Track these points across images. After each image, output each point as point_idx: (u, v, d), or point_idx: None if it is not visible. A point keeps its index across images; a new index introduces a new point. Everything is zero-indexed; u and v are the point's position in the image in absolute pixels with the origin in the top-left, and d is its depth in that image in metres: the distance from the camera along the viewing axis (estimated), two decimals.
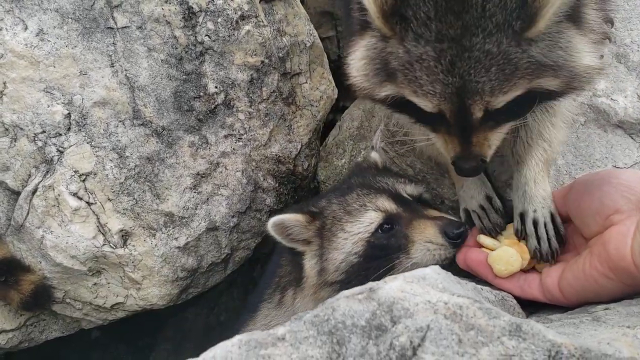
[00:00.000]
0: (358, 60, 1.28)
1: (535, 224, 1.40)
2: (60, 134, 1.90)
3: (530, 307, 1.34)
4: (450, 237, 1.40)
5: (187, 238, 1.94)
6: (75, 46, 1.93)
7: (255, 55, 2.03)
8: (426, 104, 1.20)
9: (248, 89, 2.04)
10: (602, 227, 1.20)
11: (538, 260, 1.39)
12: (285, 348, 0.90)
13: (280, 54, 2.06)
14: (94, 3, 1.96)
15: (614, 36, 1.58)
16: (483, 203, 1.53)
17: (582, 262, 1.21)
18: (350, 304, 0.97)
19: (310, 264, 1.55)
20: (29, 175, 1.88)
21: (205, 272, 2.00)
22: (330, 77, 2.22)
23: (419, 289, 0.96)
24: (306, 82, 2.13)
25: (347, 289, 1.36)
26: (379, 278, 1.28)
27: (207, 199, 1.98)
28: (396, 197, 1.52)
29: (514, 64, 1.13)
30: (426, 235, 1.41)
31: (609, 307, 1.12)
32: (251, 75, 2.04)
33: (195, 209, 1.96)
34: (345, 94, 2.18)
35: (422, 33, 1.15)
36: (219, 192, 2.00)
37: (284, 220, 1.54)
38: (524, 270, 1.37)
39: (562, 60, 1.15)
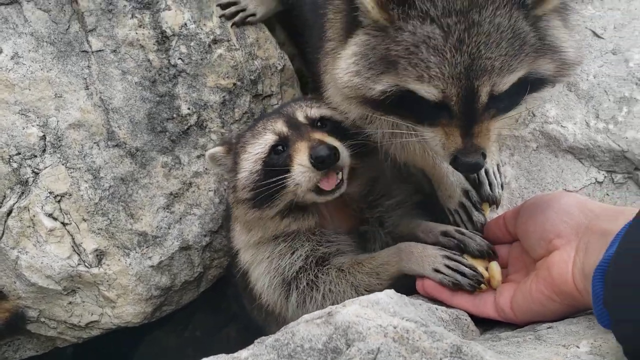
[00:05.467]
0: (347, 58, 1.25)
1: (486, 172, 1.47)
2: (36, 156, 1.93)
3: (485, 324, 1.42)
4: (313, 161, 1.43)
5: (161, 257, 1.98)
6: (51, 69, 1.97)
7: (227, 77, 2.10)
8: (431, 91, 1.16)
9: (220, 110, 2.10)
10: (547, 251, 1.28)
11: (490, 205, 1.50)
12: None
13: (252, 77, 2.13)
14: (69, 27, 2.01)
15: None
16: (463, 200, 1.59)
17: (530, 284, 1.29)
18: (309, 328, 1.03)
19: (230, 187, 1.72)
20: (4, 197, 1.92)
21: (178, 290, 2.05)
22: None
23: (372, 314, 1.03)
24: (277, 103, 2.19)
25: (255, 206, 1.56)
26: (277, 194, 1.48)
27: (180, 218, 2.03)
28: (290, 120, 1.59)
29: (522, 39, 1.13)
30: (300, 157, 1.46)
31: (552, 326, 1.20)
32: (223, 97, 2.10)
33: (169, 228, 2.01)
34: None
35: (428, 9, 1.12)
36: (192, 212, 2.05)
37: (212, 152, 1.74)
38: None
39: (558, 45, 1.19)
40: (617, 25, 1.76)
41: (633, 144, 1.57)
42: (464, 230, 1.50)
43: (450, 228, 1.52)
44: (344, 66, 1.25)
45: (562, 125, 1.61)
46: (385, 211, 1.69)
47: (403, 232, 1.65)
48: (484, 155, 1.21)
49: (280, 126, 1.58)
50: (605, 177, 1.60)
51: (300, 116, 1.60)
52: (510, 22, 1.11)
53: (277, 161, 1.54)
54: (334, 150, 1.42)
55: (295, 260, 1.57)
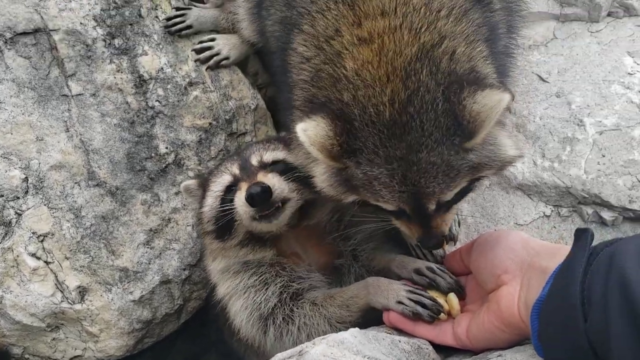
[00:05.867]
0: (321, 174, 1.46)
1: None
2: (18, 197, 2.01)
3: (446, 351, 1.55)
4: (247, 199, 1.60)
5: (142, 292, 2.07)
6: (32, 113, 2.06)
7: (203, 117, 2.21)
8: (388, 206, 1.38)
9: (197, 148, 2.21)
10: (496, 285, 1.42)
11: (447, 242, 1.68)
12: None
13: (227, 116, 2.24)
14: (49, 72, 2.10)
15: (514, 108, 1.83)
16: None
17: (482, 316, 1.42)
18: None
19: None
20: None
21: (159, 322, 2.14)
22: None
23: (337, 353, 1.15)
24: (251, 140, 2.31)
25: (218, 237, 1.75)
26: (232, 226, 1.69)
27: (160, 253, 2.12)
28: (244, 163, 1.76)
29: (456, 169, 1.31)
30: (240, 196, 1.64)
31: (502, 354, 1.33)
32: (200, 136, 2.21)
33: (149, 263, 2.10)
34: None
35: (373, 159, 1.32)
36: (171, 247, 2.14)
37: (186, 184, 1.94)
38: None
39: (494, 155, 1.35)
40: (561, 69, 1.93)
41: (576, 181, 1.73)
42: (435, 268, 1.62)
43: (422, 266, 1.64)
44: (320, 178, 1.46)
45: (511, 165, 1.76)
46: (358, 244, 1.81)
47: (378, 266, 1.77)
48: (444, 235, 1.44)
49: (235, 169, 1.76)
50: (552, 211, 1.76)
51: (254, 160, 1.75)
52: (444, 159, 1.29)
53: (230, 198, 1.71)
54: (265, 189, 1.58)
55: (270, 296, 1.69)
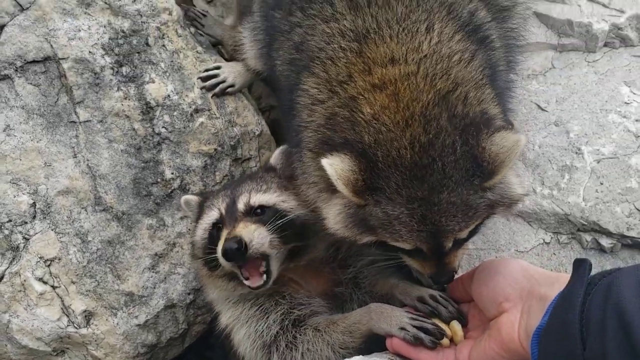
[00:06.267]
0: (335, 215, 1.47)
1: None
2: (26, 222, 2.04)
3: None
4: (222, 253, 1.61)
5: (147, 316, 2.09)
6: (40, 140, 2.10)
7: (208, 144, 2.25)
8: (405, 246, 1.42)
9: (202, 173, 2.24)
10: (497, 312, 1.45)
11: None
12: None
13: (232, 142, 2.28)
14: (57, 99, 2.14)
15: None
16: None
17: (484, 343, 1.45)
18: None
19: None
20: None
21: (164, 346, 2.16)
22: None
23: None
24: (256, 166, 2.35)
25: (206, 265, 1.77)
26: (217, 262, 1.66)
27: (165, 277, 2.15)
28: (230, 204, 1.78)
29: (474, 208, 1.37)
30: (219, 245, 1.65)
31: None
32: (205, 161, 2.24)
33: (154, 287, 2.12)
34: None
35: (395, 198, 1.35)
36: (176, 271, 2.17)
37: (187, 198, 1.98)
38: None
39: (506, 194, 1.41)
40: (559, 98, 1.97)
41: (574, 208, 1.77)
42: (437, 296, 1.64)
43: (425, 294, 1.66)
44: (333, 219, 1.48)
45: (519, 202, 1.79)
46: (359, 271, 1.83)
47: (382, 291, 1.79)
48: (454, 271, 1.51)
49: (223, 208, 1.78)
50: (551, 238, 1.79)
51: (241, 203, 1.76)
52: (463, 199, 1.35)
53: (214, 238, 1.75)
54: (239, 245, 1.59)
55: (272, 324, 1.71)
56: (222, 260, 1.62)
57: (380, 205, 1.38)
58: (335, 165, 1.35)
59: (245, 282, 1.66)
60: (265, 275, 1.65)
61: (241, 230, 1.63)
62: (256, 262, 1.65)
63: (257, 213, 1.74)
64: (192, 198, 1.96)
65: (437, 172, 1.33)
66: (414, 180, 1.34)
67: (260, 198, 1.77)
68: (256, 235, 1.63)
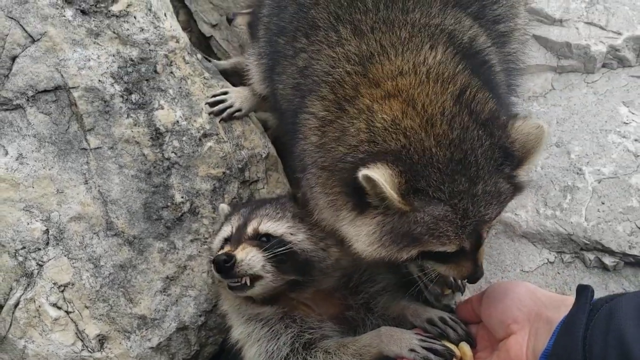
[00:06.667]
0: (367, 235, 1.46)
1: None
2: (40, 249, 2.08)
3: None
4: (212, 263, 1.71)
5: (159, 338, 2.13)
6: (52, 167, 2.14)
7: (217, 167, 2.29)
8: (450, 248, 1.45)
9: (211, 196, 2.29)
10: (506, 334, 1.49)
11: (452, 290, 1.83)
12: None
13: (240, 165, 2.33)
14: (68, 127, 2.18)
15: None
16: (419, 275, 1.80)
17: None
18: None
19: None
20: (11, 289, 2.05)
21: None
22: (286, 181, 2.49)
23: None
24: (263, 188, 2.40)
25: (220, 275, 1.76)
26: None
27: (177, 300, 2.19)
28: (240, 226, 1.85)
29: (505, 194, 1.45)
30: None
31: None
32: (214, 184, 2.29)
33: (166, 310, 2.16)
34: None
35: (439, 196, 1.39)
36: (187, 293, 2.21)
37: (222, 207, 2.10)
38: None
39: (523, 179, 1.50)
40: (559, 120, 2.02)
41: (577, 228, 1.81)
42: (447, 318, 1.69)
43: (434, 316, 1.71)
44: (366, 239, 1.48)
45: (516, 214, 1.84)
46: (370, 297, 1.87)
47: (394, 314, 1.83)
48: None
49: (235, 226, 1.86)
50: (555, 257, 1.83)
51: (250, 227, 1.82)
52: (497, 187, 1.43)
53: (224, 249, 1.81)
54: (226, 260, 1.67)
55: (282, 346, 1.75)
56: (212, 270, 1.72)
57: (425, 208, 1.40)
58: (377, 172, 1.35)
59: (233, 290, 1.74)
60: (247, 283, 1.70)
61: (239, 250, 1.72)
62: (243, 280, 1.71)
63: (263, 240, 1.79)
64: (224, 207, 2.08)
65: (472, 165, 1.39)
66: (454, 175, 1.39)
67: (269, 226, 1.81)
68: (250, 257, 1.69)
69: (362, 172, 1.36)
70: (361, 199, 1.43)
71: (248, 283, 1.71)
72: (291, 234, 1.79)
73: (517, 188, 1.48)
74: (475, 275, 1.55)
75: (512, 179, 1.45)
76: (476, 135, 1.41)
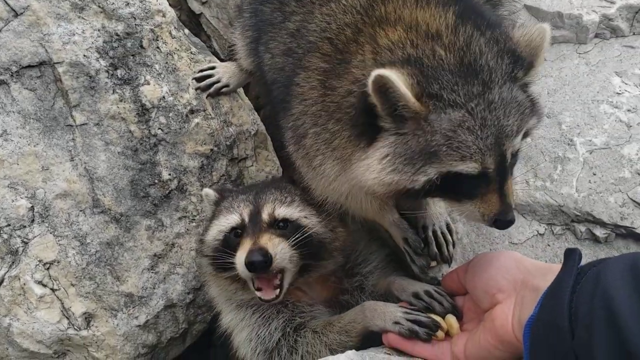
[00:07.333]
0: (379, 161, 1.39)
1: (434, 233, 1.72)
2: (25, 226, 2.06)
3: None
4: (246, 264, 1.60)
5: (147, 316, 2.11)
6: (37, 144, 2.11)
7: (204, 144, 2.26)
8: (473, 165, 1.35)
9: (199, 174, 2.26)
10: (491, 304, 1.46)
11: (438, 262, 1.75)
12: None
13: (228, 142, 2.30)
14: (53, 104, 2.16)
15: None
16: (405, 247, 1.82)
17: (479, 334, 1.46)
18: None
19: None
20: None
21: (165, 346, 2.17)
22: (275, 159, 2.46)
23: None
24: (252, 165, 2.37)
25: (212, 265, 1.78)
26: (225, 265, 1.69)
27: (164, 278, 2.17)
28: (255, 212, 1.76)
29: (523, 105, 1.40)
30: (240, 254, 1.65)
31: None
32: (202, 162, 2.26)
33: (154, 288, 2.14)
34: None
35: (454, 98, 1.33)
36: (175, 271, 2.18)
37: (207, 192, 1.99)
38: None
39: (537, 102, 1.48)
40: (550, 90, 1.98)
41: (568, 199, 1.78)
42: (432, 292, 1.66)
43: (420, 289, 1.68)
44: (377, 167, 1.40)
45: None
46: (364, 277, 1.85)
47: (381, 290, 1.81)
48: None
49: (245, 214, 1.76)
50: (545, 229, 1.80)
51: (265, 213, 1.75)
52: (512, 94, 1.38)
53: (231, 242, 1.74)
54: (265, 258, 1.59)
55: (274, 331, 1.73)
56: (241, 269, 1.62)
57: (440, 114, 1.34)
58: (388, 73, 1.29)
59: (257, 293, 1.66)
60: (278, 290, 1.66)
61: (266, 242, 1.63)
62: (272, 275, 1.65)
63: (280, 226, 1.73)
64: (212, 193, 1.97)
65: (483, 68, 1.36)
66: (467, 77, 1.35)
67: (284, 211, 1.75)
68: (280, 250, 1.63)
69: (374, 73, 1.29)
70: (371, 128, 1.40)
71: (278, 282, 1.66)
72: (305, 218, 1.75)
73: (533, 103, 1.44)
74: (505, 214, 1.40)
75: (526, 87, 1.43)
76: (483, 40, 1.40)
